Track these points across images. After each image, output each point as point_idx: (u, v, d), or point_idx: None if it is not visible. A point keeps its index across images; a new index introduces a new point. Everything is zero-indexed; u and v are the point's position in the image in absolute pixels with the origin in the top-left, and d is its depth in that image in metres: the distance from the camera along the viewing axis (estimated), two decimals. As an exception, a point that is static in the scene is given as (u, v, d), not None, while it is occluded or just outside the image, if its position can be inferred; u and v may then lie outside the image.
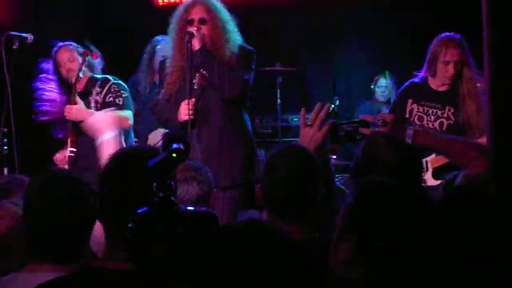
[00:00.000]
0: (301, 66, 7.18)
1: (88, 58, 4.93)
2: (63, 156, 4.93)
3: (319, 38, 7.43)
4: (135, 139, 5.51)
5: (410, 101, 4.72)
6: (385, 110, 6.23)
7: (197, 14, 4.45)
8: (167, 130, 5.49)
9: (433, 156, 4.39)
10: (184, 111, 4.36)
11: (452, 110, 4.62)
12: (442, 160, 4.26)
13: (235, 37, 4.52)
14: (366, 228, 1.77)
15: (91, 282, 1.99)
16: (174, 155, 1.75)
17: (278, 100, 6.54)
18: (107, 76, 5.09)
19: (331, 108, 2.79)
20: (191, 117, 4.35)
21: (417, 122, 4.61)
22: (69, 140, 4.85)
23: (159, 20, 5.67)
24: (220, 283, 1.57)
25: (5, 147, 4.86)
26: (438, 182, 4.35)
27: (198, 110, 4.41)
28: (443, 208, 1.96)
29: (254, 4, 7.33)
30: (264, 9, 7.31)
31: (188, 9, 4.48)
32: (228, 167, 4.43)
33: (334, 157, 6.23)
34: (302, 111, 2.80)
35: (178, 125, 4.45)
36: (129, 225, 1.70)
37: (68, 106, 4.79)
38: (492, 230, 1.88)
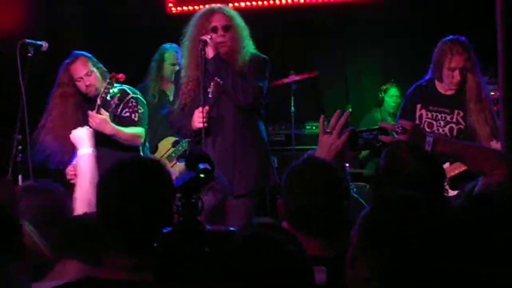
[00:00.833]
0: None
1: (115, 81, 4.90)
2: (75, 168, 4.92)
3: (332, 46, 7.42)
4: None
5: (418, 106, 4.70)
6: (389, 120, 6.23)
7: (220, 21, 4.44)
8: (176, 139, 5.51)
9: (447, 165, 4.35)
10: (198, 119, 4.36)
11: (461, 114, 4.60)
12: (457, 169, 4.23)
13: (250, 45, 4.52)
14: (385, 244, 1.73)
15: None
16: (202, 175, 1.73)
17: (292, 108, 6.52)
18: (126, 88, 5.08)
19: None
20: (205, 124, 4.35)
21: (427, 129, 4.58)
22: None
23: (172, 28, 5.70)
24: None
25: (20, 155, 4.85)
26: (455, 192, 4.32)
27: (212, 118, 4.40)
28: (466, 220, 1.92)
29: (266, 11, 7.33)
30: (276, 17, 7.31)
31: (208, 17, 4.46)
32: (242, 175, 4.42)
33: (347, 165, 6.20)
34: (321, 118, 2.77)
35: (192, 133, 4.45)
36: (155, 244, 1.68)
37: (93, 114, 4.78)
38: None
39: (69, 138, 4.31)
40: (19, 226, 1.99)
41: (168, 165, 5.44)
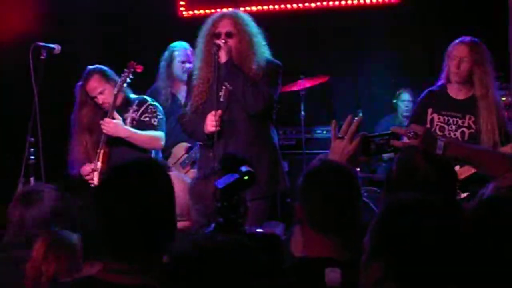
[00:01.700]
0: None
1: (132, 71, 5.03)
2: (90, 168, 4.99)
3: (343, 50, 7.43)
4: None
5: (430, 110, 4.71)
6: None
7: (224, 27, 4.47)
8: (189, 145, 5.53)
9: (457, 168, 4.35)
10: (211, 123, 4.37)
11: (472, 119, 4.60)
12: (466, 172, 4.22)
13: (263, 51, 4.53)
14: (398, 248, 1.73)
15: None
16: (246, 178, 1.73)
17: (302, 112, 6.54)
18: (145, 96, 5.21)
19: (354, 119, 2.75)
20: (218, 128, 4.36)
21: (439, 133, 4.58)
22: (101, 152, 4.92)
23: (184, 32, 5.73)
24: None
25: (32, 157, 4.89)
26: (465, 194, 4.32)
27: (224, 121, 4.42)
28: (478, 224, 1.92)
29: (278, 16, 7.34)
30: (288, 21, 7.32)
31: (215, 22, 4.49)
32: (254, 179, 4.43)
33: (358, 169, 6.20)
34: (333, 123, 2.77)
35: (205, 136, 4.46)
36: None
37: (106, 120, 4.88)
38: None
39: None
40: None
41: (182, 171, 5.46)
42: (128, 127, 4.95)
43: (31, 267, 2.59)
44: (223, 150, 4.40)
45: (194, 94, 4.55)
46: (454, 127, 4.63)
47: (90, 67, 5.06)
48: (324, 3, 7.34)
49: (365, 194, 6.13)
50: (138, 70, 5.06)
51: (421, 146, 2.62)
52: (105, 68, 5.07)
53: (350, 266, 2.18)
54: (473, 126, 4.59)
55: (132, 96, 5.12)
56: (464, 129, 4.60)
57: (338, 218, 2.32)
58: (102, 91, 4.98)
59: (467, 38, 4.64)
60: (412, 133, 2.69)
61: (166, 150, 5.61)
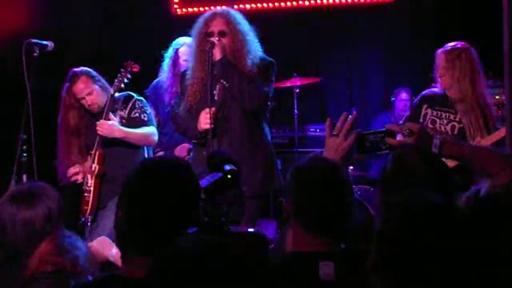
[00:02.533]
0: (318, 76, 7.19)
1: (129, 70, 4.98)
2: (76, 170, 4.97)
3: (336, 48, 7.43)
4: (161, 152, 5.53)
5: (425, 106, 4.80)
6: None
7: (216, 26, 4.45)
8: (191, 146, 5.50)
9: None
10: (205, 120, 4.36)
11: None
12: (452, 162, 4.24)
13: (256, 49, 4.52)
14: (397, 252, 1.73)
15: None
16: (229, 176, 1.73)
17: (296, 111, 6.53)
18: (129, 92, 5.14)
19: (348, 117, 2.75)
20: (212, 126, 4.35)
21: (430, 126, 4.68)
22: (96, 154, 4.90)
23: (177, 30, 5.71)
24: None
25: (24, 154, 4.86)
26: None
27: (218, 119, 4.41)
28: (476, 223, 1.91)
29: (271, 14, 7.34)
30: (281, 19, 7.31)
31: (207, 21, 4.48)
32: (248, 178, 4.41)
33: (351, 167, 6.21)
34: (328, 121, 2.77)
35: (198, 134, 4.45)
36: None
37: (101, 122, 4.85)
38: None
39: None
40: None
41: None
42: (122, 128, 4.92)
43: (38, 262, 2.61)
44: (217, 148, 4.39)
45: (188, 94, 4.53)
46: (445, 121, 4.71)
47: (75, 69, 5.01)
48: (319, 1, 7.34)
49: (358, 192, 6.13)
50: (135, 70, 5.02)
51: (416, 144, 2.62)
52: (90, 69, 5.04)
53: (343, 259, 2.18)
54: (463, 121, 4.64)
55: (116, 94, 5.04)
56: (455, 123, 4.68)
57: (327, 215, 2.32)
58: (90, 92, 4.94)
59: (449, 45, 4.71)
60: (407, 131, 2.68)
61: (168, 151, 5.59)
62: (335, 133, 2.71)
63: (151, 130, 5.03)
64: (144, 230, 2.00)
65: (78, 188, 5.02)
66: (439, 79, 4.73)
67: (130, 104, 5.03)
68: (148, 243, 2.00)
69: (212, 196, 1.72)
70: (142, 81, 5.83)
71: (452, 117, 4.69)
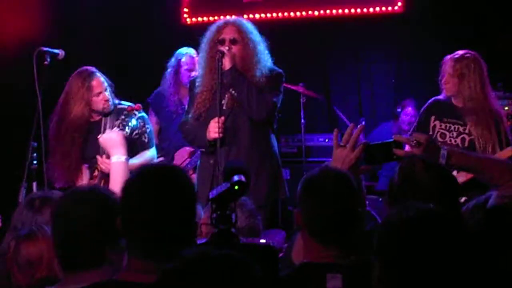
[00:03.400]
0: (327, 87, 7.21)
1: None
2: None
3: (345, 59, 7.43)
4: (161, 157, 5.53)
5: (433, 117, 4.76)
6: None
7: (228, 34, 4.48)
8: (192, 149, 5.53)
9: (454, 172, 4.34)
10: (214, 129, 4.38)
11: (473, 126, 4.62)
12: (464, 176, 4.22)
13: (265, 59, 4.54)
14: (393, 257, 1.73)
15: None
16: (236, 187, 1.73)
17: (302, 120, 6.54)
18: (131, 105, 4.85)
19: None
20: (220, 135, 4.37)
21: (440, 139, 4.63)
22: (97, 177, 4.80)
23: (187, 39, 5.74)
24: None
25: (35, 162, 4.87)
26: (463, 199, 4.32)
27: (227, 128, 4.42)
28: (483, 233, 1.91)
29: (281, 24, 7.35)
30: (290, 29, 7.32)
31: (220, 29, 4.51)
32: (254, 188, 4.42)
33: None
34: (335, 132, 2.78)
35: (207, 143, 4.47)
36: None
37: (105, 161, 4.57)
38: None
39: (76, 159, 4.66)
40: None
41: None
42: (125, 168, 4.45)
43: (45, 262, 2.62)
44: (225, 157, 4.41)
45: (197, 102, 4.56)
46: (455, 133, 4.66)
47: (87, 67, 4.92)
48: (328, 11, 7.35)
49: (367, 202, 6.11)
50: (138, 110, 4.70)
51: (424, 154, 2.62)
52: None
53: (351, 271, 2.18)
54: (473, 133, 4.61)
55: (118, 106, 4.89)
56: (465, 135, 4.64)
57: (337, 226, 2.32)
58: (106, 88, 4.86)
59: (458, 53, 4.67)
60: (414, 142, 2.68)
61: (169, 154, 5.61)
62: (342, 144, 2.72)
63: (150, 155, 4.94)
64: (145, 232, 2.02)
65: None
66: (444, 86, 4.69)
67: (131, 123, 4.63)
68: (149, 246, 2.01)
69: (220, 207, 1.72)
70: (151, 91, 5.88)
71: (461, 129, 4.65)
